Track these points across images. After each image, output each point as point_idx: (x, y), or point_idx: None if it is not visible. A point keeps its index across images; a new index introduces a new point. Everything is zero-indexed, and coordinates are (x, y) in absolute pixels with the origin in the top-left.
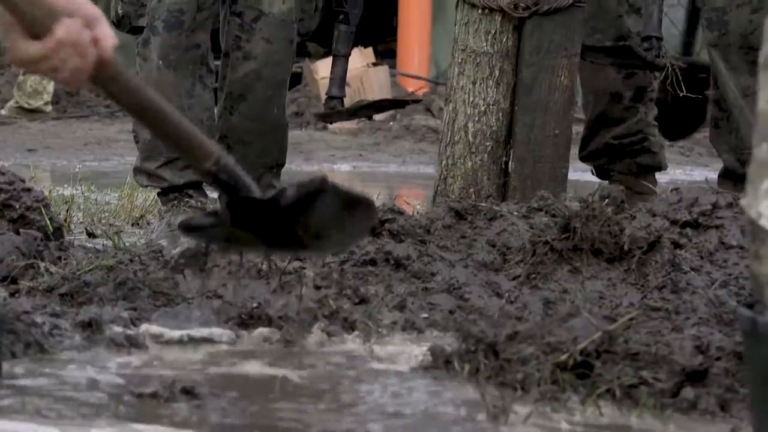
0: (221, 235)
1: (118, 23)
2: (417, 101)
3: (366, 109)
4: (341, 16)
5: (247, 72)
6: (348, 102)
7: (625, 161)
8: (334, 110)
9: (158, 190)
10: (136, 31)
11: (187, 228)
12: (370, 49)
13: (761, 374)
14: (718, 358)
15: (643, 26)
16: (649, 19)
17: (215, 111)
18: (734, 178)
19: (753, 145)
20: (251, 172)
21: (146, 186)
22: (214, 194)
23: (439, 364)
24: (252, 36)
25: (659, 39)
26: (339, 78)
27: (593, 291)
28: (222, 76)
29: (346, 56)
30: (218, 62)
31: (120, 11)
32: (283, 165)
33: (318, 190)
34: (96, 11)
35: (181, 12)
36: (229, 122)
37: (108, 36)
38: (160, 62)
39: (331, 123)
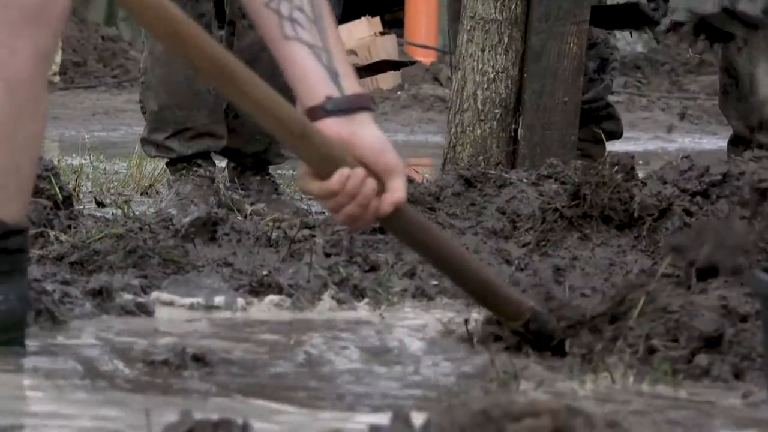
0: None
1: None
2: (413, 63)
3: (364, 71)
4: None
5: (254, 40)
6: None
7: (590, 127)
8: None
9: (167, 160)
10: None
11: None
12: (377, 19)
13: None
14: (733, 326)
15: None
16: None
17: None
18: (744, 144)
19: None
20: (260, 143)
21: (154, 157)
22: (222, 163)
23: (450, 332)
24: None
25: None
26: None
27: (603, 258)
28: (228, 44)
29: (337, 18)
30: (221, 31)
31: None
32: None
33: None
34: (395, 162)
35: None
36: None
37: (395, 191)
38: None
39: None
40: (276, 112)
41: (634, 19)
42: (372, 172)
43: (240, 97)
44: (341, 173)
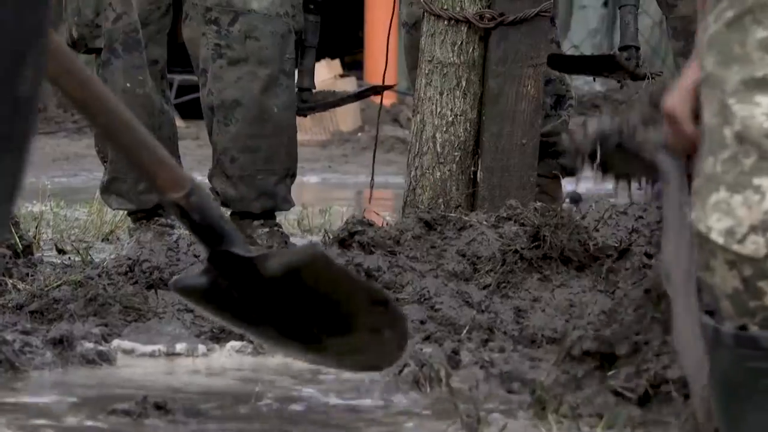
0: (213, 300)
1: (73, 45)
2: (390, 87)
3: (349, 98)
4: (311, 6)
5: (240, 76)
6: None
7: (547, 162)
8: (308, 102)
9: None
10: (92, 52)
11: (182, 290)
12: (337, 61)
13: (722, 383)
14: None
15: (621, 36)
16: (626, 28)
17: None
18: None
19: (701, 158)
20: (262, 183)
21: (115, 209)
22: None
23: (412, 376)
24: (232, 41)
25: (637, 48)
26: (309, 69)
27: (563, 299)
28: (207, 92)
29: (315, 47)
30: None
31: (75, 34)
32: (294, 175)
33: (309, 263)
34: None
35: (136, 31)
36: (229, 134)
37: None
38: (128, 84)
39: (306, 115)
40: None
41: (607, 68)
42: None
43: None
44: None
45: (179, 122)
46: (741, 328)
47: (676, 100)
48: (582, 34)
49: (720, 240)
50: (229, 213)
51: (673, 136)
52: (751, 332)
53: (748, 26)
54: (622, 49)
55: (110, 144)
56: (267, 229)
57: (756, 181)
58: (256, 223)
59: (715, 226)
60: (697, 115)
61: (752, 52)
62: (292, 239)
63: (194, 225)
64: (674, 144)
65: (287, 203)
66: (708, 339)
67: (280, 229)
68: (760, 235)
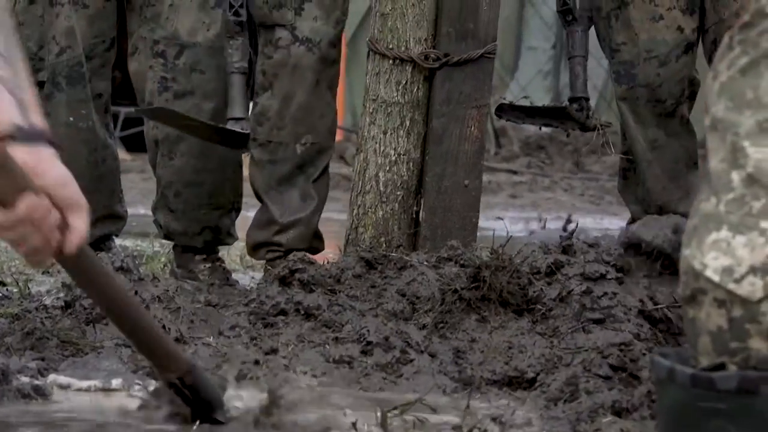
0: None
1: None
2: None
3: None
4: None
5: (186, 109)
6: None
7: None
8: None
9: None
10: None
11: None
12: None
13: (671, 420)
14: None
15: (571, 87)
16: (576, 80)
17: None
18: None
19: (700, 199)
20: (206, 217)
21: None
22: (123, 242)
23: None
24: (178, 74)
25: (587, 99)
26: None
27: (502, 341)
28: (152, 125)
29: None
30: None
31: None
32: (239, 210)
33: None
34: (80, 199)
35: (80, 64)
36: (173, 167)
37: (79, 227)
38: (71, 118)
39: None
40: None
41: (562, 121)
42: (55, 205)
43: None
44: (30, 200)
45: (125, 155)
46: (718, 366)
47: None
48: (530, 75)
49: (715, 278)
50: (172, 246)
51: None
52: (709, 374)
53: (763, 71)
54: (572, 100)
55: (109, 318)
56: (209, 264)
57: (763, 224)
58: (198, 257)
59: (712, 264)
60: None
61: (765, 96)
62: (234, 275)
63: (185, 398)
64: None
65: (231, 237)
66: (659, 376)
67: (222, 265)
68: (759, 278)
